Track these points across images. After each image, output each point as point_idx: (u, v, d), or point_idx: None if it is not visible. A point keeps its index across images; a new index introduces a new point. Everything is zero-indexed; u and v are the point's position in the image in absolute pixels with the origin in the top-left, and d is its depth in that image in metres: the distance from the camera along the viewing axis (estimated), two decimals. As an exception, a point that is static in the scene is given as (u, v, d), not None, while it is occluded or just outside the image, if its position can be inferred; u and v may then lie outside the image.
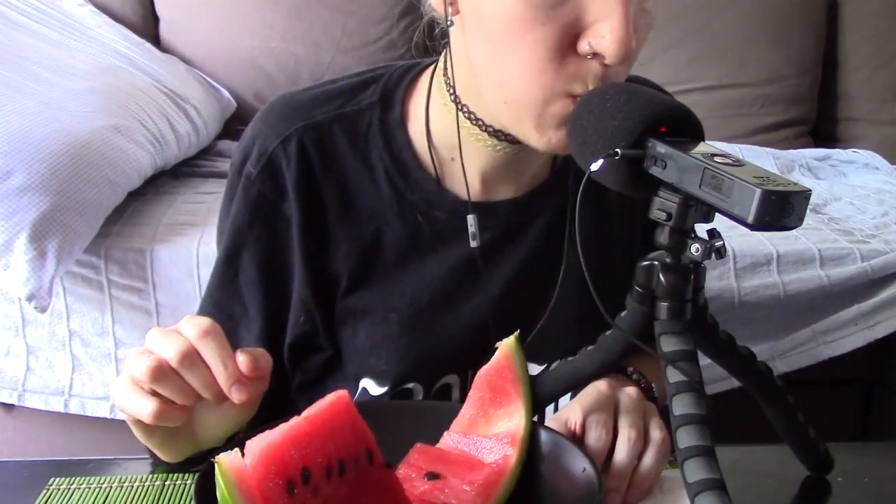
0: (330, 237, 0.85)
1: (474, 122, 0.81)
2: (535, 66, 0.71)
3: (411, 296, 0.86)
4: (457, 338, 0.87)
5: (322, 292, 0.86)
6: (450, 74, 0.81)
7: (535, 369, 0.88)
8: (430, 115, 0.85)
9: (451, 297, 0.87)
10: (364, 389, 0.87)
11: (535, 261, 0.88)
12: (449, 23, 0.77)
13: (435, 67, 0.85)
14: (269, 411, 0.79)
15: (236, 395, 0.67)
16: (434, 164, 0.86)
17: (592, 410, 0.73)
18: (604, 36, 0.68)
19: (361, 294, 0.86)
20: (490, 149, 0.82)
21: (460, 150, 0.83)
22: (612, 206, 0.91)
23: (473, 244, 0.85)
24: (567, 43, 0.70)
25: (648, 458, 0.73)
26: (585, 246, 0.87)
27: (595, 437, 0.72)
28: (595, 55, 0.69)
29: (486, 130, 0.81)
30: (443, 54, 0.83)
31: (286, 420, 0.63)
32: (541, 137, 0.75)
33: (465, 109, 0.81)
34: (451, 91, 0.82)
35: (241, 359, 0.67)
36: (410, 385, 0.87)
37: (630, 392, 0.76)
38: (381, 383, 0.87)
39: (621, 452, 0.72)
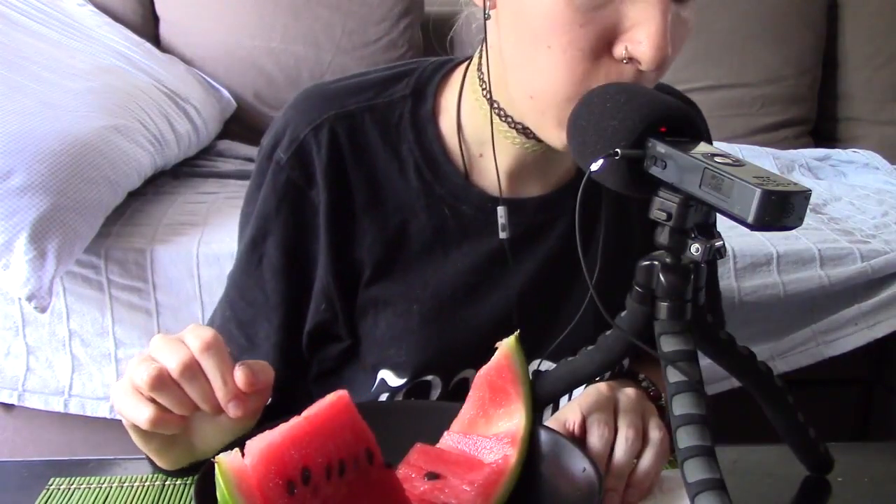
0: (356, 226, 0.86)
1: (503, 119, 0.82)
2: (569, 64, 0.72)
3: (434, 288, 0.87)
4: (477, 332, 0.87)
5: (345, 281, 0.87)
6: (484, 70, 0.82)
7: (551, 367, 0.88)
8: (461, 110, 0.86)
9: (473, 292, 0.87)
10: (382, 381, 0.87)
11: (558, 260, 0.89)
12: (486, 15, 0.78)
13: (469, 63, 0.86)
14: (285, 401, 0.79)
15: (233, 411, 0.67)
16: (463, 159, 0.86)
17: (592, 410, 0.74)
18: (640, 41, 0.69)
19: (384, 284, 0.87)
20: (518, 146, 0.83)
21: (493, 144, 0.84)
22: (632, 207, 0.91)
23: (503, 235, 0.86)
24: (603, 45, 0.71)
25: (647, 459, 0.73)
26: (608, 246, 0.88)
27: (598, 435, 0.72)
28: (630, 60, 0.70)
29: (514, 127, 0.81)
30: (478, 50, 0.84)
31: (286, 420, 0.63)
32: (560, 134, 0.75)
33: (496, 106, 0.82)
34: (484, 86, 0.82)
35: (239, 374, 0.67)
36: (429, 377, 0.87)
37: (629, 392, 0.77)
38: (399, 375, 0.87)
39: (619, 452, 0.72)
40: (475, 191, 0.86)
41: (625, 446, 0.72)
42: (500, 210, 0.85)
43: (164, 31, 2.28)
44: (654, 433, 0.74)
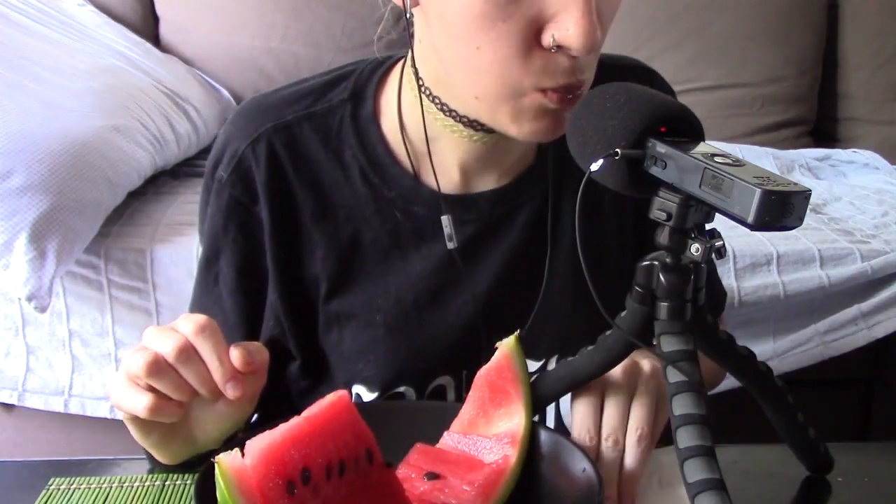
0: (305, 240, 0.84)
1: (447, 114, 0.79)
2: (501, 62, 0.70)
3: (396, 295, 0.84)
4: (445, 337, 0.85)
5: (294, 299, 0.85)
6: (419, 66, 0.80)
7: (532, 365, 0.87)
8: (402, 108, 0.83)
9: (436, 296, 0.85)
10: (358, 395, 0.86)
11: (522, 253, 0.86)
12: (409, 15, 0.76)
13: (405, 60, 0.83)
14: (266, 419, 0.78)
15: (231, 392, 0.67)
16: (410, 158, 0.84)
17: (576, 411, 0.72)
18: (568, 28, 0.67)
19: (344, 298, 0.85)
20: (466, 139, 0.81)
21: (427, 142, 0.82)
22: (602, 195, 0.88)
23: (450, 245, 0.83)
24: (532, 37, 0.69)
25: (629, 462, 0.70)
26: (573, 238, 0.85)
27: (579, 436, 0.71)
28: (560, 48, 0.68)
29: (460, 121, 0.79)
30: (411, 47, 0.82)
31: (286, 420, 0.63)
32: (519, 129, 0.74)
33: (437, 101, 0.79)
34: (421, 83, 0.80)
35: (235, 353, 0.67)
36: (401, 389, 0.85)
37: (615, 378, 0.73)
38: (371, 389, 0.85)
39: (604, 461, 0.70)
40: (426, 190, 0.84)
41: (608, 455, 0.70)
42: (445, 219, 0.83)
43: (164, 31, 2.28)
44: (631, 437, 0.71)
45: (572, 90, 0.71)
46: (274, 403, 0.82)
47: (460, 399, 0.86)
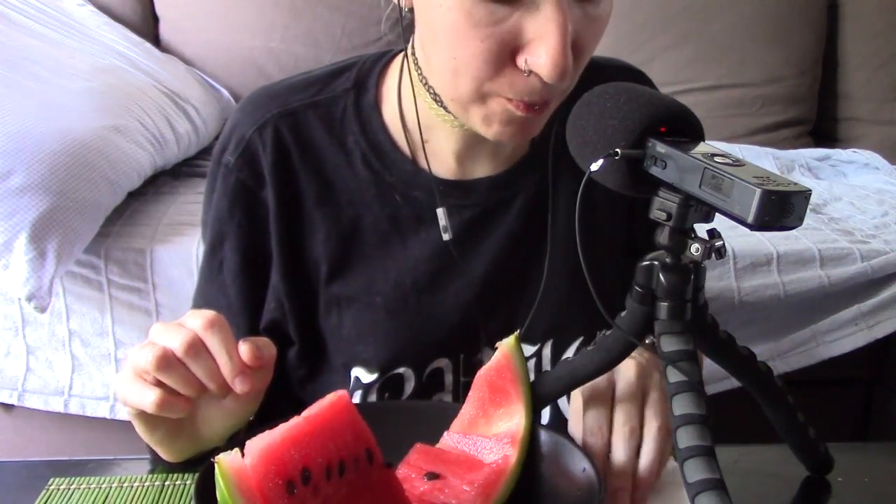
0: (307, 223, 0.86)
1: (439, 104, 0.82)
2: (474, 73, 0.73)
3: (395, 279, 0.86)
4: (444, 320, 0.87)
5: (296, 282, 0.87)
6: (417, 56, 0.82)
7: (527, 350, 0.88)
8: (402, 97, 0.86)
9: (434, 280, 0.87)
10: (357, 378, 0.87)
11: (518, 239, 0.88)
12: (404, 13, 0.79)
13: (406, 52, 0.86)
14: (267, 410, 0.79)
15: (240, 386, 0.68)
16: (409, 145, 0.86)
17: (588, 404, 0.72)
18: (540, 56, 0.69)
19: (344, 280, 0.87)
20: (458, 128, 0.83)
21: (420, 131, 0.84)
22: (594, 186, 0.89)
23: (446, 237, 0.86)
24: (507, 56, 0.71)
25: (645, 455, 0.71)
26: (569, 227, 0.88)
27: (593, 435, 0.71)
28: (531, 73, 0.71)
29: (450, 112, 0.81)
30: (411, 39, 0.84)
31: (286, 420, 0.63)
32: (487, 130, 0.77)
33: (431, 91, 0.82)
34: (419, 72, 0.82)
35: (244, 348, 0.68)
36: (401, 370, 0.87)
37: (627, 374, 0.73)
38: (370, 370, 0.87)
39: (619, 452, 0.71)
40: (425, 176, 0.86)
41: (623, 445, 0.71)
42: (440, 212, 0.85)
43: (164, 31, 2.28)
44: (652, 424, 0.71)
45: (539, 103, 0.74)
46: (272, 394, 0.83)
47: (457, 382, 0.87)
